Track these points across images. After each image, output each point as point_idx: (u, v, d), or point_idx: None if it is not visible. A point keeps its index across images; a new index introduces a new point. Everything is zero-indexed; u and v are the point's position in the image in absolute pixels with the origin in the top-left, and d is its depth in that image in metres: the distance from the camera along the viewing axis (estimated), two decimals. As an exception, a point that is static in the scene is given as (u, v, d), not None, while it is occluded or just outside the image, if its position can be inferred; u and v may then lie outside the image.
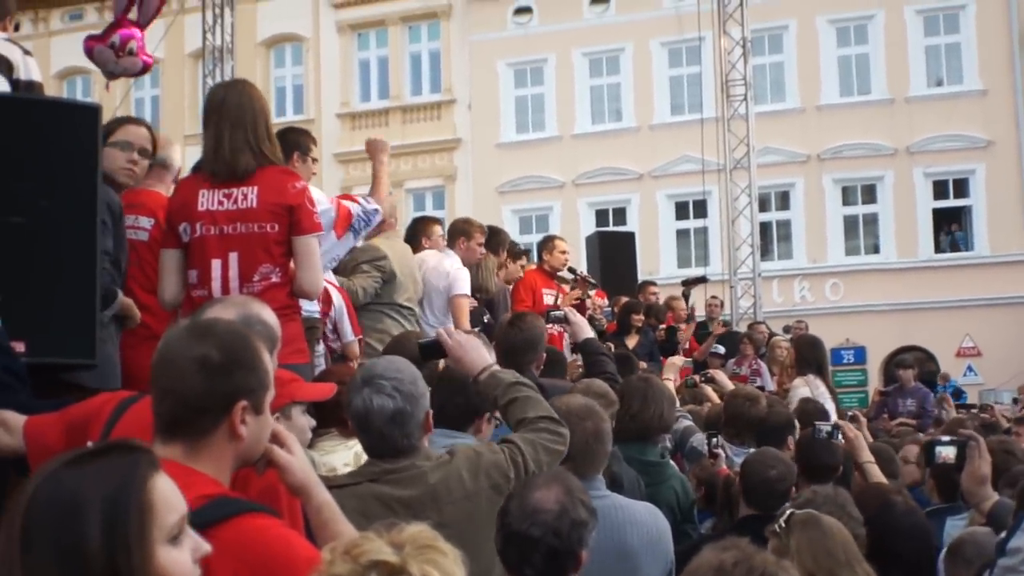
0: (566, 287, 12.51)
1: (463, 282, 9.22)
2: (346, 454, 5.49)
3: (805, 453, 6.83)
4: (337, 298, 7.78)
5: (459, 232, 9.67)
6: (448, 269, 9.17)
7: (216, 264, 5.56)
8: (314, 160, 7.11)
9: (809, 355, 10.91)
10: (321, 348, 7.42)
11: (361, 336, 8.01)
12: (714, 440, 7.43)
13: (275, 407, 3.49)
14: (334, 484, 3.55)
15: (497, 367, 4.63)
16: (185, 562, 2.18)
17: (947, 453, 4.16)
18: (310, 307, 6.70)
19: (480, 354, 4.65)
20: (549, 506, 3.62)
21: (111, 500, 2.06)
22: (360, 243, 7.03)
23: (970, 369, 27.85)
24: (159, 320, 5.93)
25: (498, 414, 4.78)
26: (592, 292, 12.96)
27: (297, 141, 7.13)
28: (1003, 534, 4.11)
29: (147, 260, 6.19)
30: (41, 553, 2.00)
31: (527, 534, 3.60)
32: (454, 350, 4.65)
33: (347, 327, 7.81)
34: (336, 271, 7.93)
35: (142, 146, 6.22)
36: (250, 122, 5.63)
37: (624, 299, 14.30)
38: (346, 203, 7.08)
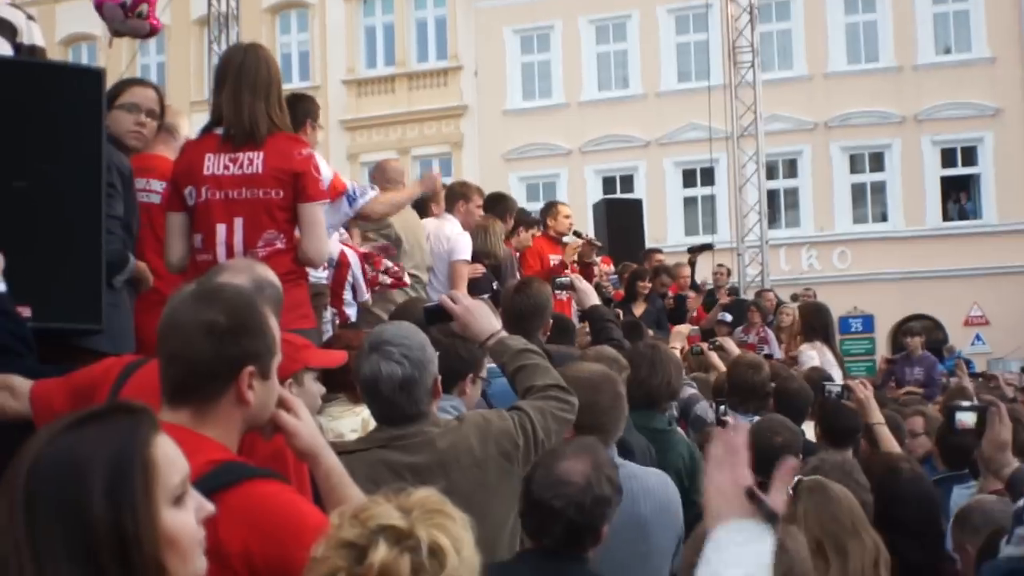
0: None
1: (464, 247, 9.21)
2: (354, 420, 5.50)
3: (826, 418, 6.84)
4: (354, 259, 7.70)
5: (457, 196, 9.60)
6: (449, 234, 9.15)
7: (221, 228, 5.57)
8: (320, 128, 7.12)
9: (816, 322, 10.92)
10: (329, 314, 7.40)
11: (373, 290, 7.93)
12: (721, 408, 7.43)
13: (289, 373, 3.51)
14: (343, 450, 3.54)
15: (505, 333, 4.62)
16: (189, 523, 2.16)
17: (968, 419, 4.12)
18: (317, 273, 6.69)
19: (488, 320, 4.62)
20: (575, 479, 3.61)
21: (114, 461, 2.04)
22: (352, 213, 6.97)
23: (978, 338, 27.84)
24: (171, 284, 5.91)
25: (483, 374, 4.79)
26: (599, 258, 12.94)
27: (308, 109, 7.15)
28: (1021, 502, 4.08)
29: (160, 223, 6.14)
30: (45, 516, 1.98)
31: (549, 504, 3.59)
32: (461, 316, 4.60)
33: (362, 285, 7.74)
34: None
35: (149, 108, 6.18)
36: (263, 88, 5.63)
37: (632, 266, 14.27)
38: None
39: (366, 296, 7.76)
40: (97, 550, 1.98)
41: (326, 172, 6.59)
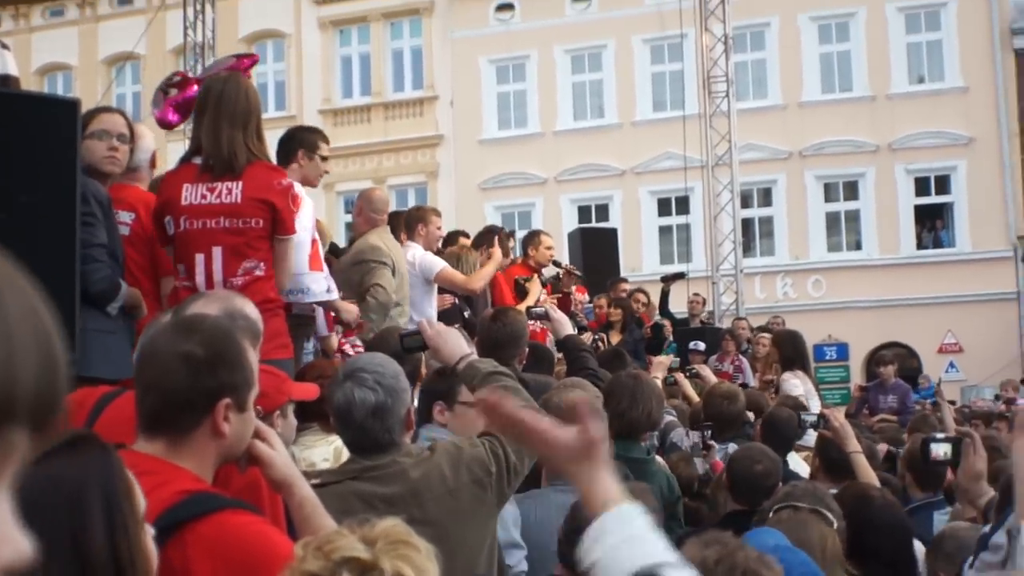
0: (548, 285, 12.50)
1: (435, 261, 9.26)
2: (326, 449, 5.50)
3: (821, 450, 6.87)
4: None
5: (416, 220, 9.63)
6: (412, 259, 9.15)
7: (200, 258, 5.60)
8: (323, 158, 7.04)
9: (792, 350, 10.95)
10: (311, 345, 7.39)
11: (334, 331, 7.89)
12: (706, 433, 7.47)
13: (276, 406, 3.52)
14: (315, 483, 3.54)
15: (475, 357, 4.66)
16: (152, 546, 2.20)
17: (942, 450, 4.13)
18: (307, 299, 6.67)
19: (459, 344, 4.69)
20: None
21: (106, 489, 2.06)
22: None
23: (952, 365, 27.95)
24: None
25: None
26: (573, 287, 12.97)
27: (303, 139, 7.09)
28: (987, 527, 4.11)
29: (128, 255, 6.16)
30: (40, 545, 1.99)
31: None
32: (432, 339, 4.71)
33: (322, 322, 7.64)
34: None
35: (119, 132, 6.18)
36: (245, 118, 5.65)
37: (609, 296, 14.29)
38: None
39: (325, 332, 7.70)
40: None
41: (306, 215, 6.56)
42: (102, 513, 2.03)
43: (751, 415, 8.25)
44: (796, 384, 10.23)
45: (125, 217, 6.38)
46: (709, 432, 7.48)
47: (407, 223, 9.63)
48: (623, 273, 17.94)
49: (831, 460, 6.71)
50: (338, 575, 2.22)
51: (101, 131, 6.13)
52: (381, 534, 2.31)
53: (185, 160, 5.90)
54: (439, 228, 9.75)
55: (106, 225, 5.75)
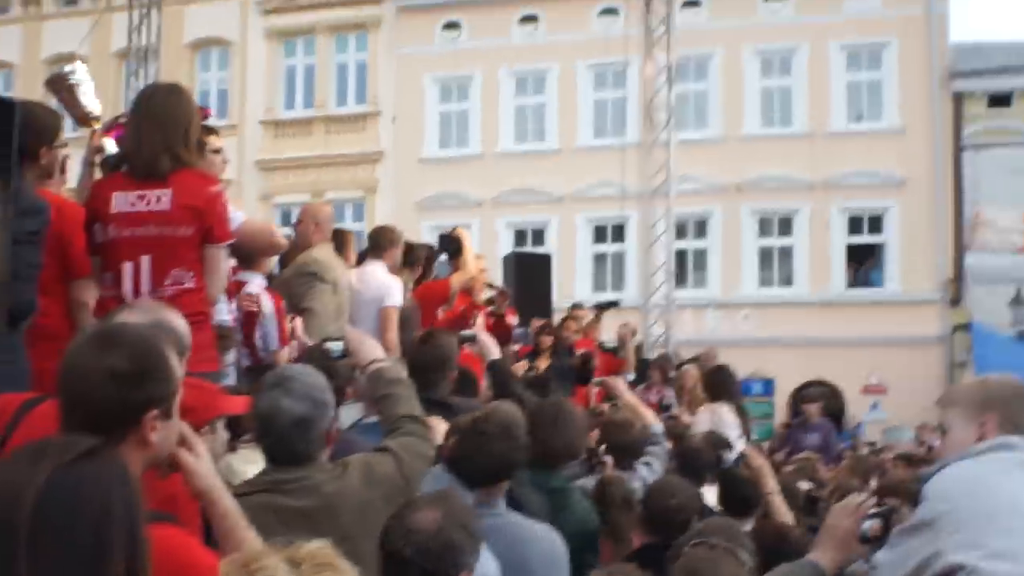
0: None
1: (396, 293, 9.21)
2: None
3: (724, 487, 6.91)
4: (267, 305, 7.64)
5: (386, 241, 9.64)
6: (382, 280, 9.16)
7: (127, 267, 5.53)
8: (215, 151, 6.79)
9: (719, 383, 11.01)
10: (231, 357, 7.35)
11: (288, 344, 7.82)
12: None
13: (205, 421, 3.52)
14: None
15: (387, 364, 4.80)
16: None
17: (875, 525, 4.16)
18: (222, 315, 6.66)
19: (376, 352, 4.86)
20: (425, 527, 3.60)
21: (127, 502, 2.09)
22: None
23: (875, 406, 28.17)
24: (50, 317, 5.78)
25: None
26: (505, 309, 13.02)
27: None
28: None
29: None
30: (57, 552, 2.01)
31: (401, 554, 3.59)
32: (353, 339, 4.97)
33: (274, 335, 7.66)
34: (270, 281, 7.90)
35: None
36: (171, 124, 5.61)
37: (540, 322, 14.33)
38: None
39: (276, 346, 7.67)
40: None
41: (238, 216, 6.57)
42: (124, 525, 2.06)
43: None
44: (705, 419, 10.27)
45: None
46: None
47: (376, 241, 9.65)
48: (556, 300, 18.00)
49: (739, 498, 6.78)
50: None
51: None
52: (307, 556, 2.33)
53: (115, 167, 5.87)
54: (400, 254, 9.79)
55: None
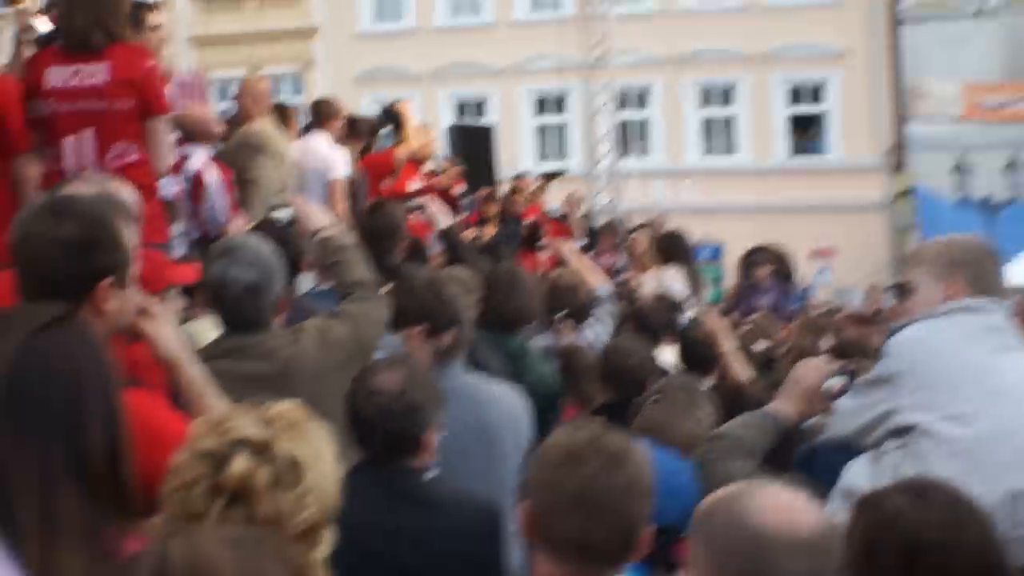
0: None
1: (341, 164, 9.16)
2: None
3: (683, 346, 6.97)
4: (212, 177, 7.38)
5: (329, 113, 9.61)
6: (326, 153, 9.11)
7: (69, 141, 5.52)
8: (153, 28, 6.73)
9: (670, 248, 11.04)
10: (178, 228, 7.23)
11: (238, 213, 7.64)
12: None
13: (156, 291, 3.50)
14: None
15: (334, 231, 4.85)
16: None
17: (839, 384, 4.18)
18: (164, 189, 6.57)
19: (321, 219, 4.90)
20: (388, 388, 3.64)
21: (98, 364, 2.07)
22: None
23: (823, 271, 28.50)
24: None
25: None
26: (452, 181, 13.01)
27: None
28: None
29: None
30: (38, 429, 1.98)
31: (366, 415, 3.63)
32: (301, 207, 5.02)
33: (222, 207, 7.39)
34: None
35: None
36: None
37: (485, 191, 14.31)
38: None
39: (224, 218, 7.45)
40: (92, 464, 2.03)
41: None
42: (99, 389, 2.03)
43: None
44: (651, 281, 10.33)
45: None
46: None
47: (317, 113, 9.62)
48: (500, 171, 17.95)
49: (697, 357, 6.84)
50: (233, 454, 2.25)
51: None
52: (277, 415, 2.33)
53: (47, 42, 5.79)
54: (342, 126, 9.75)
55: None
